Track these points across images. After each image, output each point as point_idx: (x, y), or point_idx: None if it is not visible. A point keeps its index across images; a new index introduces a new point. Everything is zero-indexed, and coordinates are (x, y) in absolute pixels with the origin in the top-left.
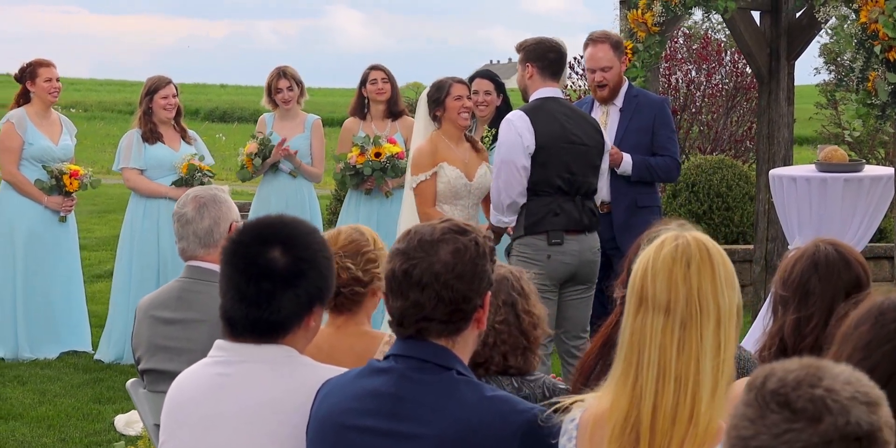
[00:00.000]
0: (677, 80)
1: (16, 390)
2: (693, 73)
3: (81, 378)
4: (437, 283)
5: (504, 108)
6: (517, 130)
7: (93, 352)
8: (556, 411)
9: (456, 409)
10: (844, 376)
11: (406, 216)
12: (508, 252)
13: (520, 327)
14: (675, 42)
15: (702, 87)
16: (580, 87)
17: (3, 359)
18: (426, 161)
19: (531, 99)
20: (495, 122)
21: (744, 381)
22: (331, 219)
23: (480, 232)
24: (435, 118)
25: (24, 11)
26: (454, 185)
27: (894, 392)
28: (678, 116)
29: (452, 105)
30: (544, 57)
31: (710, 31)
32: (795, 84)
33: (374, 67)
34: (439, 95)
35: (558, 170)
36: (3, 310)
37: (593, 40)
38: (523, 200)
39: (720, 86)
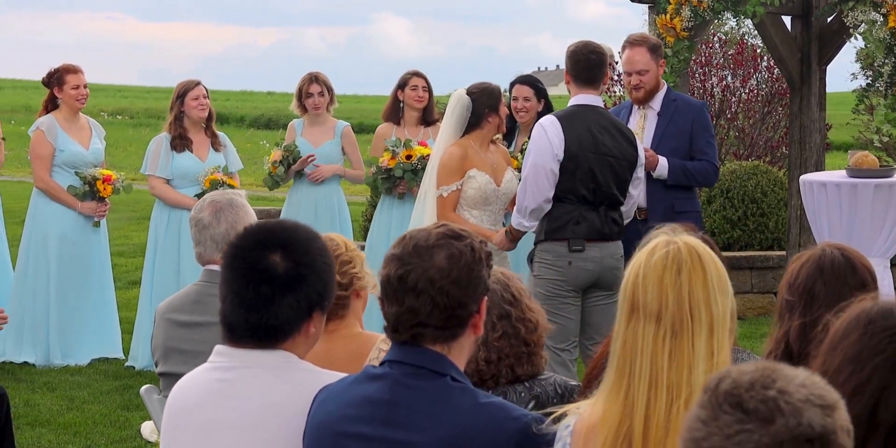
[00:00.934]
0: (712, 85)
1: (45, 397)
2: (729, 78)
3: (111, 385)
4: (433, 288)
5: (545, 113)
6: (548, 136)
7: (124, 358)
8: (551, 418)
9: (450, 415)
10: (800, 379)
11: (425, 219)
12: (531, 259)
13: (519, 337)
14: (711, 47)
15: (737, 93)
16: (615, 92)
17: (34, 365)
18: (456, 166)
19: (568, 105)
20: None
21: None
22: (366, 225)
23: (476, 237)
24: (476, 124)
25: (71, 18)
26: (484, 191)
27: (888, 406)
28: (714, 122)
29: (503, 111)
30: (577, 65)
31: (746, 37)
32: (834, 90)
33: (415, 73)
34: (494, 102)
35: (584, 179)
36: (36, 316)
37: (630, 43)
38: (548, 207)
39: (756, 91)
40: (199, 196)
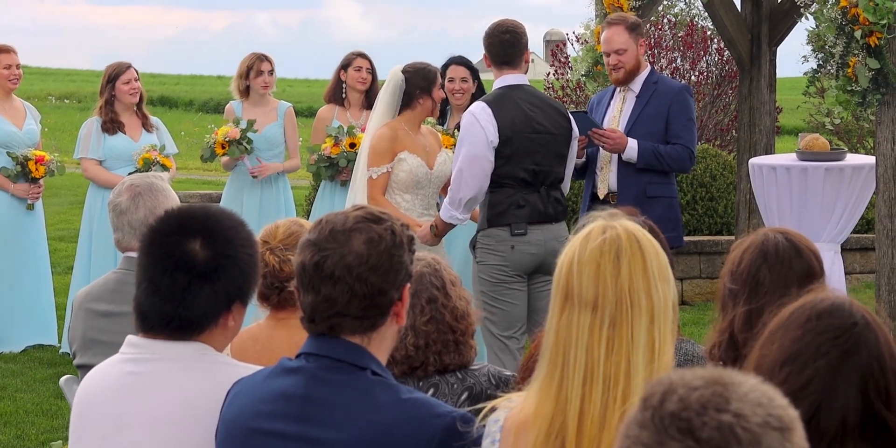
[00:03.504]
0: (661, 67)
1: None
2: (678, 61)
3: (45, 372)
4: (350, 275)
5: (478, 94)
6: (480, 124)
7: (59, 345)
8: (483, 414)
9: (370, 411)
10: (755, 396)
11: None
12: (473, 245)
13: (445, 323)
14: (661, 29)
15: (687, 76)
16: (564, 76)
17: None
18: (386, 148)
19: (493, 88)
20: None
21: None
22: (308, 209)
23: (397, 220)
24: (407, 104)
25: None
26: (415, 174)
27: (831, 413)
28: None
29: (437, 94)
30: (492, 46)
31: (696, 19)
32: (784, 74)
33: (360, 54)
34: (427, 84)
35: (523, 162)
36: None
37: (608, 23)
38: (483, 197)
39: (706, 74)
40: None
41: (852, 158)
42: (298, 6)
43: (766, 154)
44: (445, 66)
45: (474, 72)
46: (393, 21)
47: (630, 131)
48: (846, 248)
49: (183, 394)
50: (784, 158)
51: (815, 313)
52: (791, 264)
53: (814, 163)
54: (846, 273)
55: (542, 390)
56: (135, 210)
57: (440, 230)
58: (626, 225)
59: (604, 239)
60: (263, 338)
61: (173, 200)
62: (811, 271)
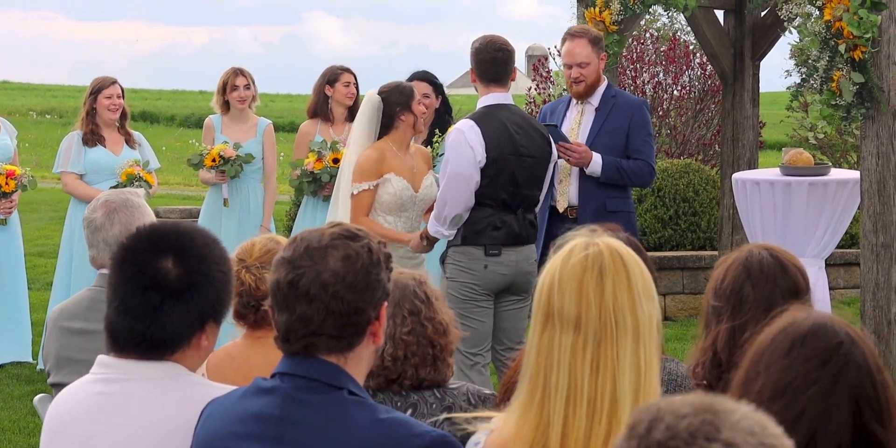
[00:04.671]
0: (643, 82)
1: None
2: (661, 75)
3: (22, 389)
4: (326, 293)
5: (442, 109)
6: (469, 143)
7: (35, 362)
8: (460, 433)
9: (346, 432)
10: (746, 424)
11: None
12: (443, 260)
13: (426, 336)
14: (643, 44)
15: (669, 90)
16: (546, 90)
17: None
18: (371, 168)
19: (479, 105)
20: (434, 125)
21: None
22: (289, 224)
23: (375, 237)
24: (389, 125)
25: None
26: (400, 197)
27: (826, 437)
28: None
29: (418, 109)
30: (482, 63)
31: (679, 34)
32: (767, 89)
33: (346, 69)
34: (406, 100)
35: (504, 183)
36: None
37: (571, 35)
38: (467, 214)
39: (688, 88)
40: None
41: (836, 173)
42: (279, 21)
43: (750, 169)
44: (408, 81)
45: (438, 87)
46: (373, 36)
47: (590, 145)
48: (830, 264)
49: (155, 414)
50: (768, 173)
51: (798, 338)
52: (776, 281)
53: (798, 177)
54: (830, 288)
55: (522, 412)
56: (110, 226)
57: (430, 240)
58: (608, 241)
59: (586, 255)
60: (240, 357)
61: (149, 217)
62: (797, 288)
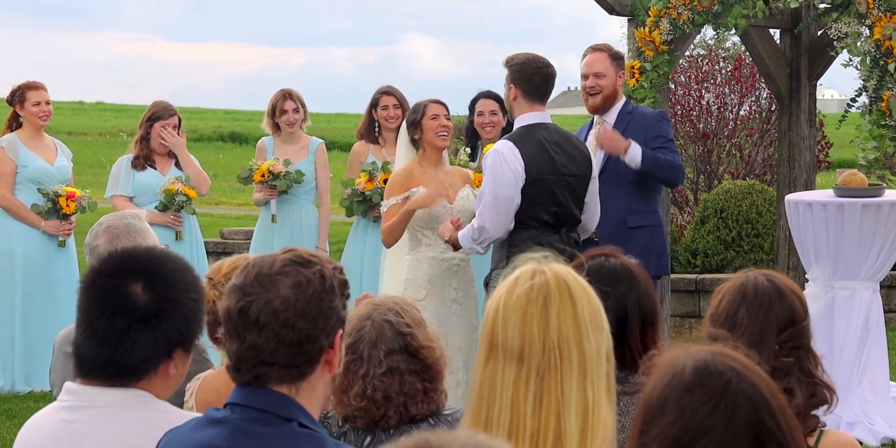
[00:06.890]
0: (709, 101)
1: (3, 424)
2: (728, 94)
3: None
4: (276, 322)
5: (509, 129)
6: (509, 164)
7: None
8: None
9: None
10: None
11: (390, 256)
12: (487, 283)
13: (413, 372)
14: (713, 64)
15: (735, 110)
16: None
17: None
18: (399, 184)
19: (517, 125)
20: None
21: None
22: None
23: (329, 263)
24: (413, 142)
25: (100, 39)
26: (430, 210)
27: None
28: (710, 140)
29: (429, 125)
30: (529, 80)
31: (745, 53)
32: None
33: (385, 92)
34: (415, 117)
35: (546, 203)
36: (2, 339)
37: (592, 49)
38: (506, 236)
39: (755, 108)
40: (157, 209)
41: (890, 194)
42: (375, 42)
43: (807, 189)
44: (474, 101)
45: (504, 105)
46: (469, 57)
47: (608, 162)
48: (885, 285)
49: (118, 443)
50: (820, 195)
51: (683, 387)
52: (772, 306)
53: (850, 199)
54: (885, 311)
55: None
56: None
57: (457, 247)
58: (556, 269)
59: (531, 285)
60: (224, 390)
61: (152, 240)
62: (794, 316)
